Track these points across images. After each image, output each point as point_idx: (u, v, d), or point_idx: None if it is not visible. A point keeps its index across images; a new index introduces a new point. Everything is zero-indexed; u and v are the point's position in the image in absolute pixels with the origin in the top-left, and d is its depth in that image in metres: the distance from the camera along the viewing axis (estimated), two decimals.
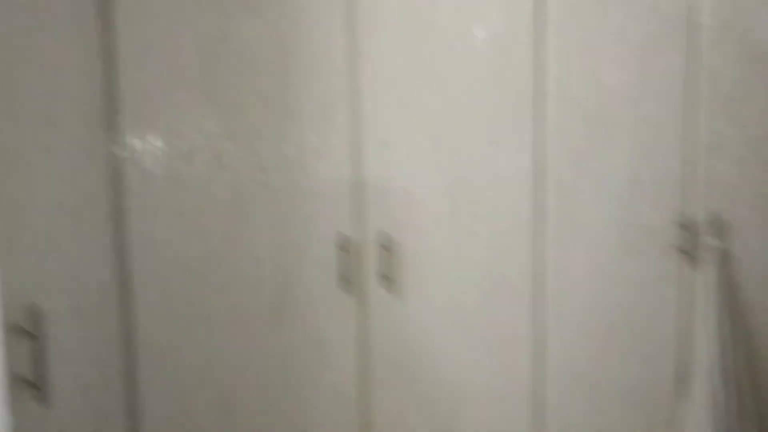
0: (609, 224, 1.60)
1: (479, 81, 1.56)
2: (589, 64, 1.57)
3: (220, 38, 1.44)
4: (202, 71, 1.43)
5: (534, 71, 1.56)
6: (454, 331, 1.60)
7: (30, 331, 1.01)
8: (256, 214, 1.49)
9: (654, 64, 1.57)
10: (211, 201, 1.47)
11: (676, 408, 1.61)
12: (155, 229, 1.43)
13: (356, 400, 1.59)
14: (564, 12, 1.55)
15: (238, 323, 1.52)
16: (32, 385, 1.02)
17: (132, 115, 1.40)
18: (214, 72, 1.44)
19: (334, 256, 1.54)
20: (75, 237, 1.24)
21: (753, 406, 1.57)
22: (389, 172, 1.55)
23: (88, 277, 1.28)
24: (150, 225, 1.42)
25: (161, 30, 1.40)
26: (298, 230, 1.52)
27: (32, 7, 1.11)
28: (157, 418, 1.48)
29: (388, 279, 1.57)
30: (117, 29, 1.36)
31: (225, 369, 1.52)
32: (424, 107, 1.55)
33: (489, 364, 1.61)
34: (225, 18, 1.43)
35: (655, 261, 1.60)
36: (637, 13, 1.56)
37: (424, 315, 1.59)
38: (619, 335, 1.63)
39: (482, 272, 1.60)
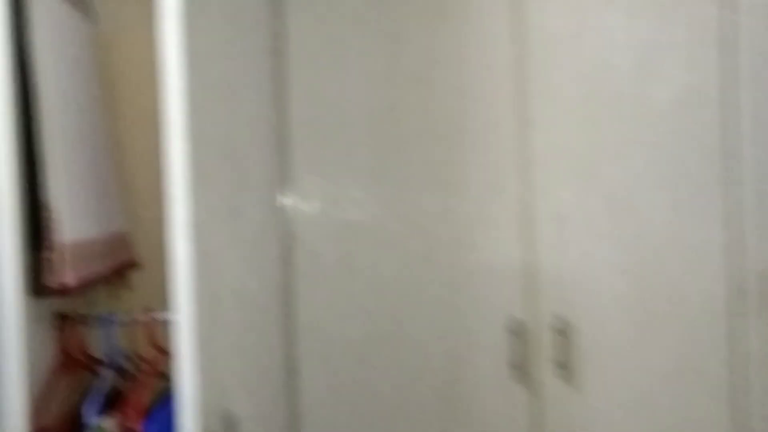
0: None
1: (660, 146, 1.40)
2: None
3: (387, 112, 1.40)
4: (370, 146, 1.40)
5: (724, 132, 1.39)
6: (640, 428, 1.41)
7: None
8: (423, 295, 1.41)
9: None
10: (378, 281, 1.40)
11: None
12: (322, 311, 1.39)
13: None
14: (757, 64, 1.37)
15: (404, 410, 1.42)
16: None
17: (302, 195, 1.38)
18: (382, 146, 1.40)
19: (504, 342, 1.41)
20: (251, 328, 1.21)
21: None
22: (564, 248, 1.42)
23: (262, 369, 1.24)
24: (317, 307, 1.38)
25: (331, 105, 1.39)
26: (466, 313, 1.42)
27: (221, 89, 1.11)
28: None
29: (563, 367, 1.41)
30: (290, 107, 1.36)
31: None
32: (600, 177, 1.41)
33: None
34: (392, 91, 1.40)
35: None
36: None
37: (606, 409, 1.41)
38: None
39: (672, 361, 1.40)
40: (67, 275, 1.24)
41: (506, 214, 1.42)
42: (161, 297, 1.78)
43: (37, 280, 1.21)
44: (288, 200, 1.38)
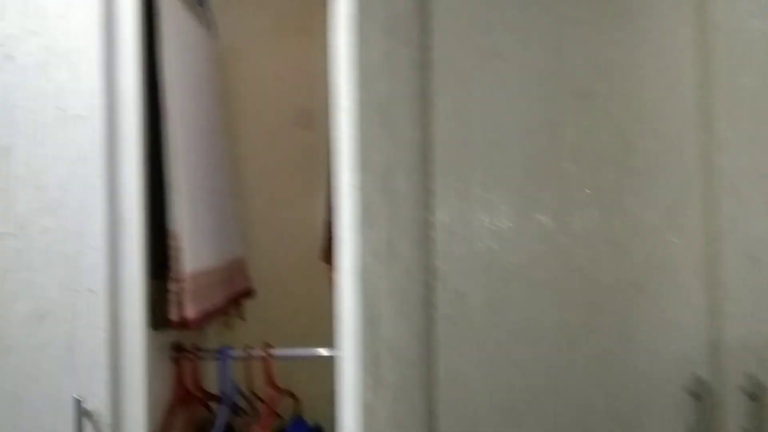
0: None
1: None
2: None
3: (546, 130, 1.22)
4: (525, 169, 1.21)
5: None
6: None
7: None
8: (585, 346, 1.21)
9: None
10: (531, 328, 1.21)
11: None
12: (465, 360, 1.21)
13: None
14: None
15: None
16: None
17: (444, 226, 1.21)
18: (539, 170, 1.21)
19: (684, 405, 1.19)
20: (397, 377, 1.06)
21: None
22: (759, 295, 1.18)
23: (401, 427, 1.08)
24: (460, 355, 1.20)
25: (480, 123, 1.22)
26: (637, 369, 1.21)
27: (380, 109, 0.97)
28: None
29: None
30: (434, 125, 1.20)
31: None
32: None
33: None
34: (552, 106, 1.21)
35: None
36: None
37: None
38: None
39: None
40: (188, 309, 1.16)
41: (688, 253, 1.21)
42: (274, 329, 1.68)
43: (156, 312, 1.14)
44: (430, 232, 1.21)
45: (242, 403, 1.41)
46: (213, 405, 1.35)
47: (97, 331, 1.02)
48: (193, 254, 1.18)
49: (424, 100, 1.18)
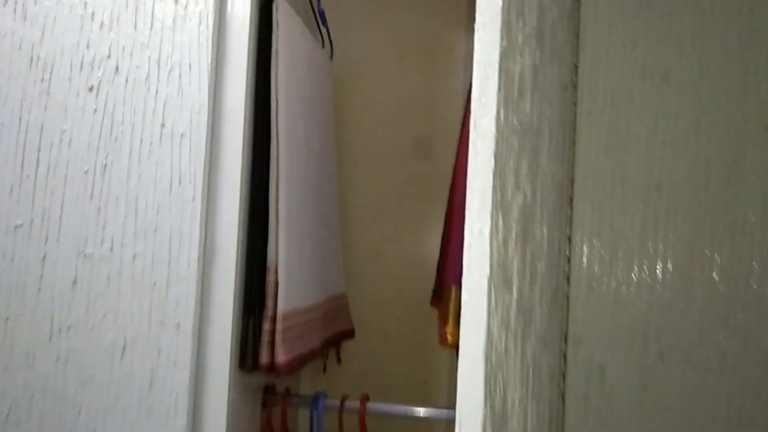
0: None
1: None
2: None
3: (722, 171, 0.97)
4: (695, 215, 0.97)
5: None
6: None
7: None
8: None
9: None
10: (692, 421, 0.96)
11: None
12: None
13: None
14: None
15: None
16: None
17: (584, 282, 1.00)
18: (712, 216, 0.97)
19: None
20: None
21: None
22: None
23: None
24: None
25: (634, 156, 1.00)
26: None
27: (526, 135, 0.81)
28: None
29: None
30: (575, 157, 1.01)
31: None
32: None
33: None
34: (734, 141, 0.97)
35: None
36: None
37: None
38: None
39: None
40: (280, 352, 1.05)
41: None
42: (372, 375, 1.54)
43: (245, 352, 1.04)
44: (568, 291, 1.00)
45: None
46: None
47: (181, 369, 0.93)
48: (291, 290, 1.07)
49: (569, 128, 0.98)
